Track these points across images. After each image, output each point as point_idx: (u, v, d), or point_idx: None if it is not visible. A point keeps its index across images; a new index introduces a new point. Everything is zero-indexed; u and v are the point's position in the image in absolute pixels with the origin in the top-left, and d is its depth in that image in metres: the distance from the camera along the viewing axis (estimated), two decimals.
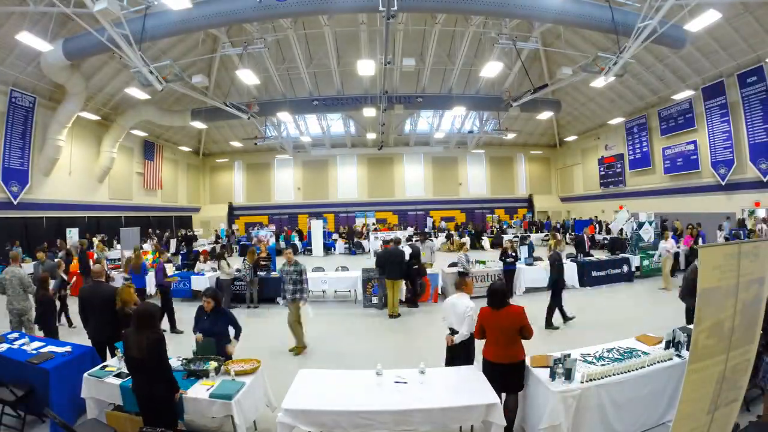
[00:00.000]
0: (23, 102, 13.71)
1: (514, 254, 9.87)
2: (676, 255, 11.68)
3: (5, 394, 3.82)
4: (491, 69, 14.73)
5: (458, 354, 4.28)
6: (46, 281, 5.69)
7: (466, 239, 19.73)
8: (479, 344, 4.04)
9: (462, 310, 4.18)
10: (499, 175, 28.39)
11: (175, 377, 3.37)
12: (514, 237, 20.35)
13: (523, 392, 3.89)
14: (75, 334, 6.89)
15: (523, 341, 3.76)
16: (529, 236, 19.40)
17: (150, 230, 19.73)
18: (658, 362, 3.84)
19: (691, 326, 3.92)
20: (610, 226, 18.49)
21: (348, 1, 10.96)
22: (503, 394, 3.68)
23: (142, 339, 3.14)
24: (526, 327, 3.69)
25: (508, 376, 3.67)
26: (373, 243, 17.32)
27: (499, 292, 3.80)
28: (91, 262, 9.68)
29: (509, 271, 9.72)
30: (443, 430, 3.54)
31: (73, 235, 15.71)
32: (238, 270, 9.60)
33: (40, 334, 5.58)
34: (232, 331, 4.46)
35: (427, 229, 22.90)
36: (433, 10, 13.20)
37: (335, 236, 21.89)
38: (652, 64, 15.76)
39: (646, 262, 11.56)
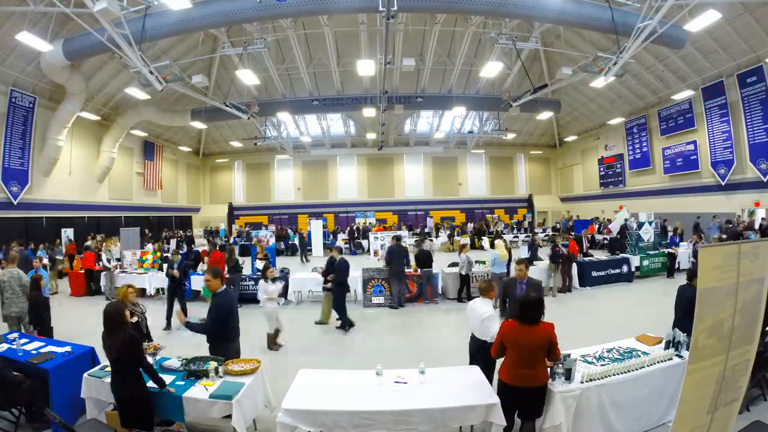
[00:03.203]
0: (23, 102, 13.71)
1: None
2: (674, 256, 11.72)
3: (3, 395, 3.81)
4: (491, 69, 14.74)
5: (477, 363, 3.99)
6: (39, 282, 5.67)
7: (467, 239, 19.73)
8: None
9: (479, 316, 4.00)
10: (499, 175, 28.39)
11: (157, 373, 3.42)
12: (514, 237, 20.36)
13: None
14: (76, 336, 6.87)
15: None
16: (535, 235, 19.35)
17: (147, 231, 19.71)
18: (658, 362, 3.84)
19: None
20: (609, 227, 18.49)
21: (348, 1, 10.95)
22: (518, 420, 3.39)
23: (113, 339, 3.19)
24: (555, 346, 3.28)
25: (527, 402, 3.31)
26: (373, 243, 17.29)
27: (536, 305, 3.25)
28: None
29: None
30: (443, 430, 3.54)
31: (68, 235, 15.76)
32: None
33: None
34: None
35: (426, 229, 22.89)
36: (433, 10, 13.20)
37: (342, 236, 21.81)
38: (652, 64, 15.77)
39: (645, 263, 11.56)
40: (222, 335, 4.16)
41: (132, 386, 3.26)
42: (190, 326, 4.18)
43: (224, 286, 4.25)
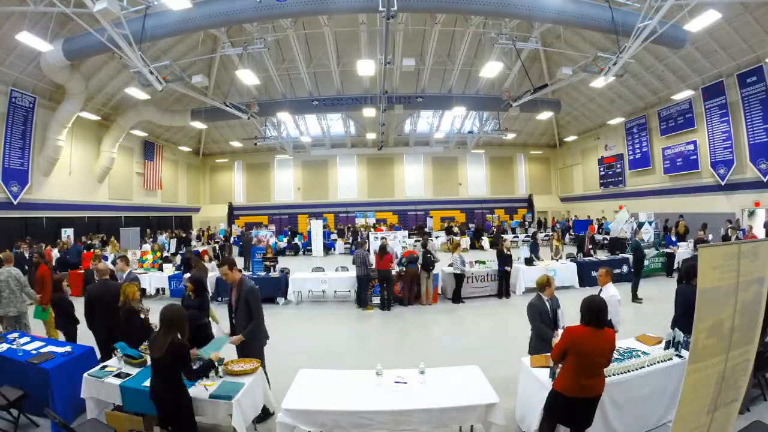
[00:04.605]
0: (23, 102, 13.70)
1: (508, 254, 9.85)
2: (673, 256, 11.75)
3: None
4: (491, 69, 14.73)
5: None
6: (61, 282, 5.56)
7: (465, 239, 19.74)
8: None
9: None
10: (499, 175, 28.38)
11: (185, 389, 3.30)
12: (514, 237, 20.35)
13: (523, 392, 3.89)
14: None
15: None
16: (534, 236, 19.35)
17: (148, 231, 19.73)
18: (658, 362, 3.84)
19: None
20: (611, 227, 18.49)
21: (348, 1, 10.94)
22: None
23: (165, 341, 3.11)
24: (612, 352, 3.20)
25: (584, 413, 3.11)
26: (373, 243, 17.29)
27: (604, 309, 3.09)
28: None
29: (504, 271, 9.75)
30: (443, 430, 3.54)
31: (68, 235, 15.77)
32: None
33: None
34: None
35: (426, 229, 22.91)
36: (433, 10, 13.19)
37: (334, 236, 21.95)
38: (652, 64, 15.76)
39: (645, 263, 11.54)
40: (260, 329, 4.12)
41: (173, 393, 3.18)
42: (246, 334, 4.05)
43: (242, 274, 4.23)
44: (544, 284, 4.40)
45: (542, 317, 4.29)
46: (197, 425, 3.30)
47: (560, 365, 3.20)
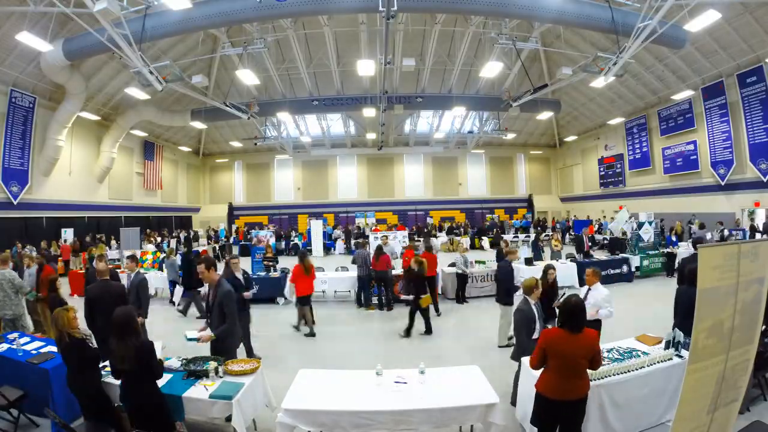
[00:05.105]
0: (23, 102, 13.71)
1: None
2: (674, 256, 11.73)
3: None
4: (491, 69, 14.74)
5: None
6: (55, 282, 5.55)
7: (466, 239, 19.74)
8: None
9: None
10: (499, 175, 28.39)
11: (158, 385, 3.24)
12: (514, 237, 20.32)
13: (523, 392, 3.89)
14: None
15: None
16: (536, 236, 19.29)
17: (148, 230, 19.72)
18: (658, 362, 3.84)
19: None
20: (610, 227, 18.48)
21: (348, 1, 10.95)
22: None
23: (126, 347, 3.01)
24: (599, 354, 3.07)
25: (570, 415, 3.03)
26: (373, 243, 17.28)
27: (581, 311, 3.02)
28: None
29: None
30: (443, 430, 3.54)
31: (67, 235, 15.77)
32: None
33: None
34: None
35: (426, 229, 22.88)
36: (432, 10, 13.19)
37: (336, 233, 21.81)
38: (652, 64, 15.77)
39: (645, 263, 11.57)
40: (233, 331, 4.09)
41: (149, 394, 3.13)
42: (218, 333, 4.01)
43: (219, 276, 4.19)
44: (533, 287, 4.27)
45: (528, 324, 4.17)
46: (194, 424, 3.27)
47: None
